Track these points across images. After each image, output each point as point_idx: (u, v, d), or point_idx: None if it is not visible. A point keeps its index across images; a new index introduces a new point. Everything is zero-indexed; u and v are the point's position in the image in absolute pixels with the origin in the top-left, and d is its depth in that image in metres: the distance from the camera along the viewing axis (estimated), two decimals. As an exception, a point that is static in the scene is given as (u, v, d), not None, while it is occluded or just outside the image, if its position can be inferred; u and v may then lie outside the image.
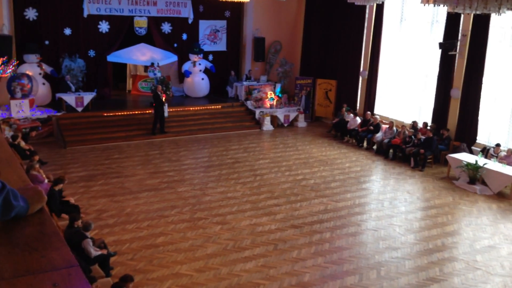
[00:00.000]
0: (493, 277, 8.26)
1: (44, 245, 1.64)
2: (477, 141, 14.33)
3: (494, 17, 13.25)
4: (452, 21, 14.46)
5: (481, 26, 13.76)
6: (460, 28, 14.38)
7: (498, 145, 13.27)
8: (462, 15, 13.96)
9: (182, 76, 19.54)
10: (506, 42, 14.08)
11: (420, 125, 15.26)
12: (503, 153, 13.02)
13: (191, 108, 18.18)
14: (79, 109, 16.43)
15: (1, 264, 1.52)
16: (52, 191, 8.87)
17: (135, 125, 16.69)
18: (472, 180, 12.58)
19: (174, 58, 19.11)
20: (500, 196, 12.15)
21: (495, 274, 8.37)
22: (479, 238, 9.78)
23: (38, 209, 1.87)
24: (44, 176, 9.88)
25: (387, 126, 15.79)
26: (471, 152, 13.87)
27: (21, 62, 16.43)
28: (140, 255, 8.59)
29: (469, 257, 8.95)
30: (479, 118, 14.25)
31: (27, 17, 16.76)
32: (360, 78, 18.32)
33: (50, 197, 8.40)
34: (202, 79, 19.51)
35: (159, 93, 16.22)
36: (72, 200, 9.79)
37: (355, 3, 14.56)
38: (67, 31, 17.54)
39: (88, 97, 16.63)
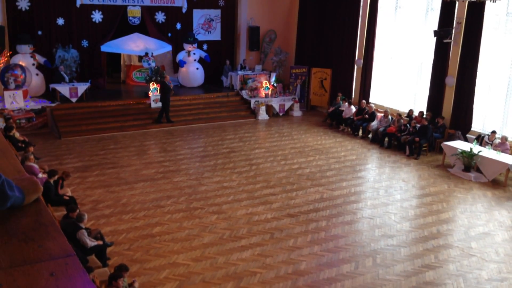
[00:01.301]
0: (488, 264, 8.33)
1: (41, 235, 1.64)
2: (472, 128, 14.37)
3: (488, 4, 13.24)
4: (447, 8, 14.43)
5: (475, 14, 13.74)
6: (455, 15, 14.36)
7: (493, 132, 13.30)
8: (456, 3, 13.93)
9: (177, 66, 19.46)
10: (501, 29, 14.08)
11: (416, 113, 15.28)
12: (497, 141, 13.06)
13: (186, 98, 18.13)
14: (74, 99, 16.36)
15: (-2, 254, 1.52)
16: (48, 183, 8.83)
17: (130, 115, 16.63)
18: (467, 168, 12.63)
19: (168, 47, 19.01)
20: (494, 183, 12.22)
21: (490, 260, 8.44)
22: (474, 225, 9.85)
23: (34, 199, 1.86)
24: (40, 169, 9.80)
25: (382, 114, 15.80)
26: (466, 139, 13.91)
27: (14, 52, 16.32)
28: (136, 245, 8.61)
29: (464, 244, 9.01)
30: (474, 105, 14.29)
31: (19, 7, 16.60)
32: (355, 67, 18.30)
33: (46, 189, 8.35)
34: (197, 68, 19.43)
35: (167, 82, 16.23)
36: (66, 196, 9.44)
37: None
38: (60, 21, 17.40)
39: (82, 87, 16.55)
